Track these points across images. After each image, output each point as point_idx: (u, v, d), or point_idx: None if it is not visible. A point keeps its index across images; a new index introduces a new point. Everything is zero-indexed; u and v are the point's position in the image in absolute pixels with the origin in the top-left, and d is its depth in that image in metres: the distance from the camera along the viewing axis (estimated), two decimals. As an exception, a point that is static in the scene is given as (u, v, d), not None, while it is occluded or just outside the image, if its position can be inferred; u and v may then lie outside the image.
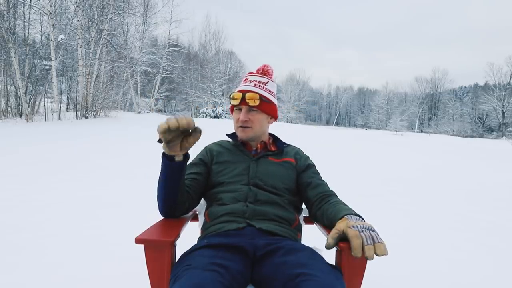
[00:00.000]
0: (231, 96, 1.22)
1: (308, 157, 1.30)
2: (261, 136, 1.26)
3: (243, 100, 1.18)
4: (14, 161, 5.12)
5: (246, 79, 1.26)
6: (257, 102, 1.18)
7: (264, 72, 1.28)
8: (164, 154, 0.96)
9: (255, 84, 1.22)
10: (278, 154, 1.25)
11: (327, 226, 1.04)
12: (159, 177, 1.02)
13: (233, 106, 1.25)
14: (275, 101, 1.28)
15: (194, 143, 0.93)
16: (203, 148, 1.31)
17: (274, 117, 1.28)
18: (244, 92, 1.20)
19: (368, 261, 0.87)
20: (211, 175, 1.21)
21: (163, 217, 1.12)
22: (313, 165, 1.28)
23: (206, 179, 1.21)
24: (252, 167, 1.18)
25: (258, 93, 1.19)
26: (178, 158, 0.96)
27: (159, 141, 0.90)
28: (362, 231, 0.85)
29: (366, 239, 0.82)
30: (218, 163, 1.22)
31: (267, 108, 1.23)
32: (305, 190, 1.18)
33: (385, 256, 0.83)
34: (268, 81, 1.25)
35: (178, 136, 0.90)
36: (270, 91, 1.25)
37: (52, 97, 13.65)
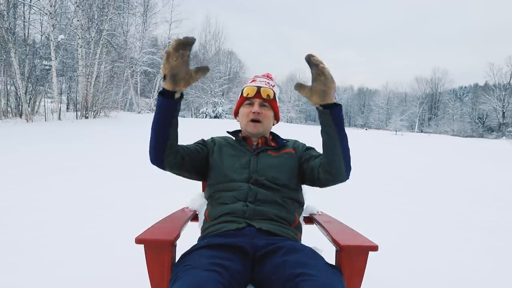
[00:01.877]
0: (243, 90, 1.27)
1: (305, 144, 1.34)
2: (265, 134, 1.30)
3: (258, 93, 1.24)
4: (14, 161, 5.12)
5: (254, 80, 1.32)
6: (272, 96, 1.25)
7: (269, 77, 1.35)
8: (162, 93, 0.96)
9: (265, 83, 1.29)
10: (278, 148, 1.27)
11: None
12: (153, 119, 1.01)
13: (241, 102, 1.29)
14: (278, 103, 1.35)
15: (200, 77, 0.94)
16: (209, 137, 1.35)
17: (277, 118, 1.34)
18: (258, 86, 1.26)
19: (367, 261, 0.88)
20: (211, 165, 1.23)
21: (150, 161, 1.07)
22: (312, 147, 1.31)
23: (204, 159, 1.23)
24: (252, 161, 1.20)
25: (271, 89, 1.27)
26: (177, 95, 0.97)
27: (164, 77, 0.91)
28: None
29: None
30: (219, 153, 1.24)
31: (276, 107, 1.30)
32: (307, 163, 1.18)
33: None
34: (274, 85, 1.33)
35: (185, 70, 0.91)
36: (276, 94, 1.32)
37: (52, 97, 13.65)
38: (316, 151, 1.27)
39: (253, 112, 1.23)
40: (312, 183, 1.19)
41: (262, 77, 1.33)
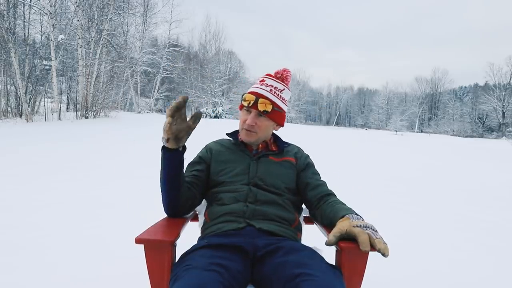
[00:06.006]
0: (243, 96, 1.19)
1: (308, 156, 1.30)
2: (263, 139, 1.25)
3: (255, 104, 1.15)
4: (14, 161, 5.12)
5: (263, 81, 1.22)
6: (269, 110, 1.16)
7: (283, 77, 1.24)
8: (166, 149, 0.98)
9: (270, 90, 1.19)
10: (279, 153, 1.23)
11: (327, 226, 1.04)
12: (161, 175, 1.03)
13: (242, 106, 1.21)
14: (285, 109, 1.25)
15: (195, 127, 0.97)
16: (203, 147, 1.30)
17: (280, 124, 1.26)
18: (258, 96, 1.16)
19: (367, 261, 0.87)
20: (211, 173, 1.21)
21: (168, 216, 1.13)
22: (312, 165, 1.27)
23: (207, 177, 1.21)
24: (252, 166, 1.17)
25: (272, 101, 1.17)
26: (180, 148, 1.00)
27: (167, 140, 0.95)
28: (366, 229, 0.87)
29: (373, 234, 0.85)
30: (218, 161, 1.21)
31: (277, 117, 1.20)
32: (304, 191, 1.18)
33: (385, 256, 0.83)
34: (284, 89, 1.23)
35: (185, 126, 0.94)
36: (284, 99, 1.23)
37: (52, 97, 13.65)
38: (315, 170, 1.25)
39: (248, 123, 1.16)
40: (303, 203, 1.23)
41: (272, 78, 1.22)
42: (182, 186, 1.05)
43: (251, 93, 1.18)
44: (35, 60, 12.90)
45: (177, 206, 1.08)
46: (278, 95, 1.20)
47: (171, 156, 0.99)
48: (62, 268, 1.85)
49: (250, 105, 1.16)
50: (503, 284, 1.99)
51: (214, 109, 27.80)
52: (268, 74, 1.25)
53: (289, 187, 1.17)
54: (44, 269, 1.83)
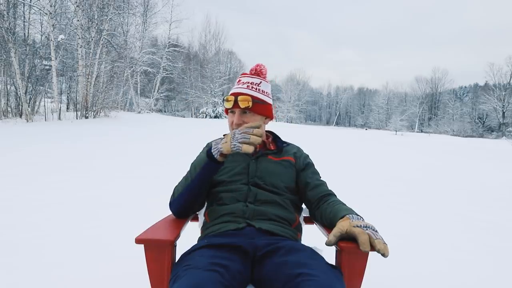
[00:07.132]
0: (224, 99, 1.20)
1: (307, 155, 1.30)
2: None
3: (235, 103, 1.16)
4: (14, 161, 5.12)
5: (239, 81, 1.24)
6: (250, 104, 1.15)
7: (257, 72, 1.26)
8: (213, 159, 1.02)
9: (247, 86, 1.20)
10: (278, 152, 1.23)
11: (327, 226, 1.04)
12: (193, 178, 1.07)
13: (227, 109, 1.22)
14: (269, 101, 1.25)
15: None
16: (205, 145, 1.29)
17: (269, 117, 1.26)
18: (236, 95, 1.17)
19: (367, 262, 0.87)
20: None
21: (172, 215, 1.16)
22: (312, 164, 1.27)
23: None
24: (251, 166, 1.17)
25: (250, 95, 1.17)
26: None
27: (221, 153, 1.00)
28: (366, 229, 0.87)
29: (374, 234, 0.85)
30: None
31: (261, 109, 1.20)
32: (304, 191, 1.18)
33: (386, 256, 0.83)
34: (261, 82, 1.23)
35: None
36: (263, 91, 1.23)
37: (52, 97, 13.67)
38: (314, 170, 1.25)
39: (235, 123, 1.16)
40: (303, 202, 1.23)
41: (247, 76, 1.24)
42: (203, 194, 1.13)
43: (230, 95, 1.20)
44: (35, 60, 12.89)
45: (190, 208, 1.14)
46: (256, 88, 1.21)
47: (215, 168, 1.05)
48: (62, 268, 1.85)
49: (232, 105, 1.17)
50: (503, 284, 1.99)
51: (214, 109, 27.79)
52: (243, 74, 1.27)
53: (288, 186, 1.17)
54: (44, 269, 1.83)
